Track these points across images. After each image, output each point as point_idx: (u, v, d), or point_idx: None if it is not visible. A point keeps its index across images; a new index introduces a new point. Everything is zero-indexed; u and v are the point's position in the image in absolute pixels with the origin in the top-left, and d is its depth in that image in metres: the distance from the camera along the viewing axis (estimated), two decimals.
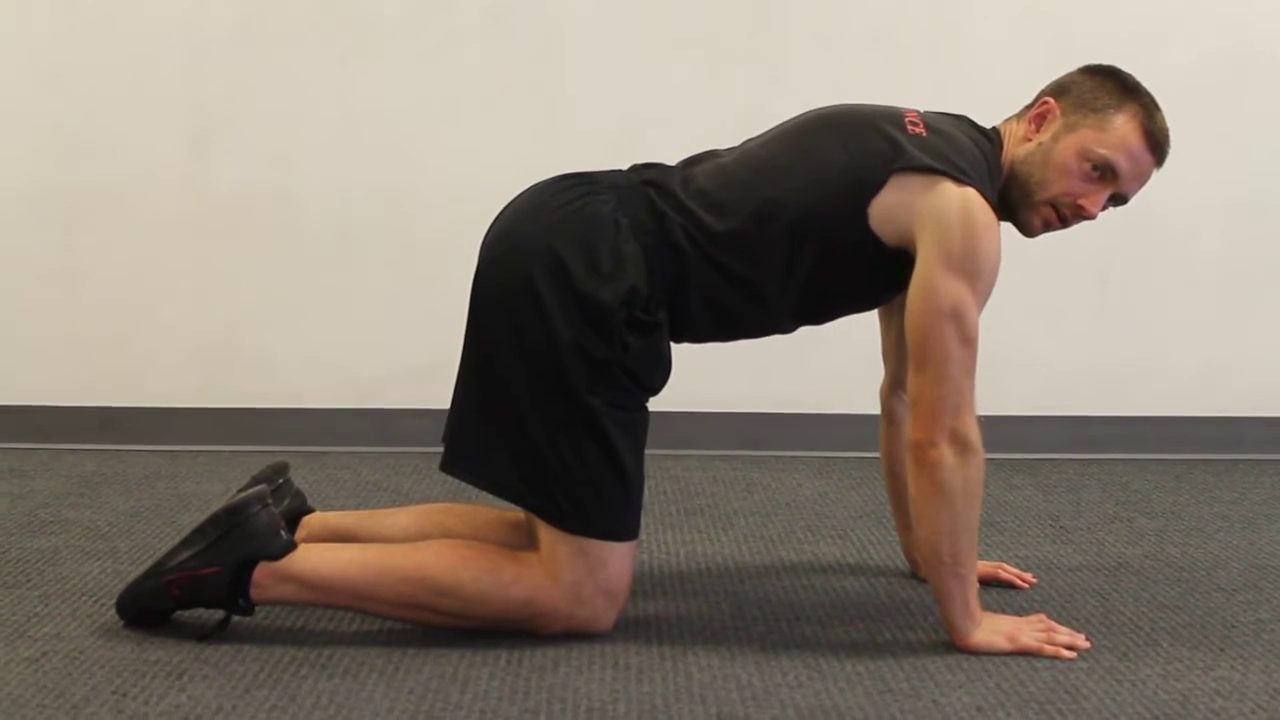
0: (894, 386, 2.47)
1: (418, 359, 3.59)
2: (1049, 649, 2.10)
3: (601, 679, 1.98)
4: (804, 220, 2.11)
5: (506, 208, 2.26)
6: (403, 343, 3.63)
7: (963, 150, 2.13)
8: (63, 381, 3.61)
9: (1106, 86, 2.16)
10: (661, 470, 3.33)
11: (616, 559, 2.13)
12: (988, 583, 2.44)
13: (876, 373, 2.51)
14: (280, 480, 2.43)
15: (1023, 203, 2.18)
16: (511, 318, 2.11)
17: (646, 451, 2.18)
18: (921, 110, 2.22)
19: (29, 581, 2.42)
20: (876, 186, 2.09)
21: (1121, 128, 2.13)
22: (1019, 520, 2.97)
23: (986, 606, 2.19)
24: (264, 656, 2.05)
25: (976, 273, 2.07)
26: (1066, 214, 2.17)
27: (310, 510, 2.45)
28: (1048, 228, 2.20)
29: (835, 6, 3.59)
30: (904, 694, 1.93)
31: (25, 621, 2.20)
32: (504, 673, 2.00)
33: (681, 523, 2.92)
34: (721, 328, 2.23)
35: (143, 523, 2.86)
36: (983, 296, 2.09)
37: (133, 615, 2.17)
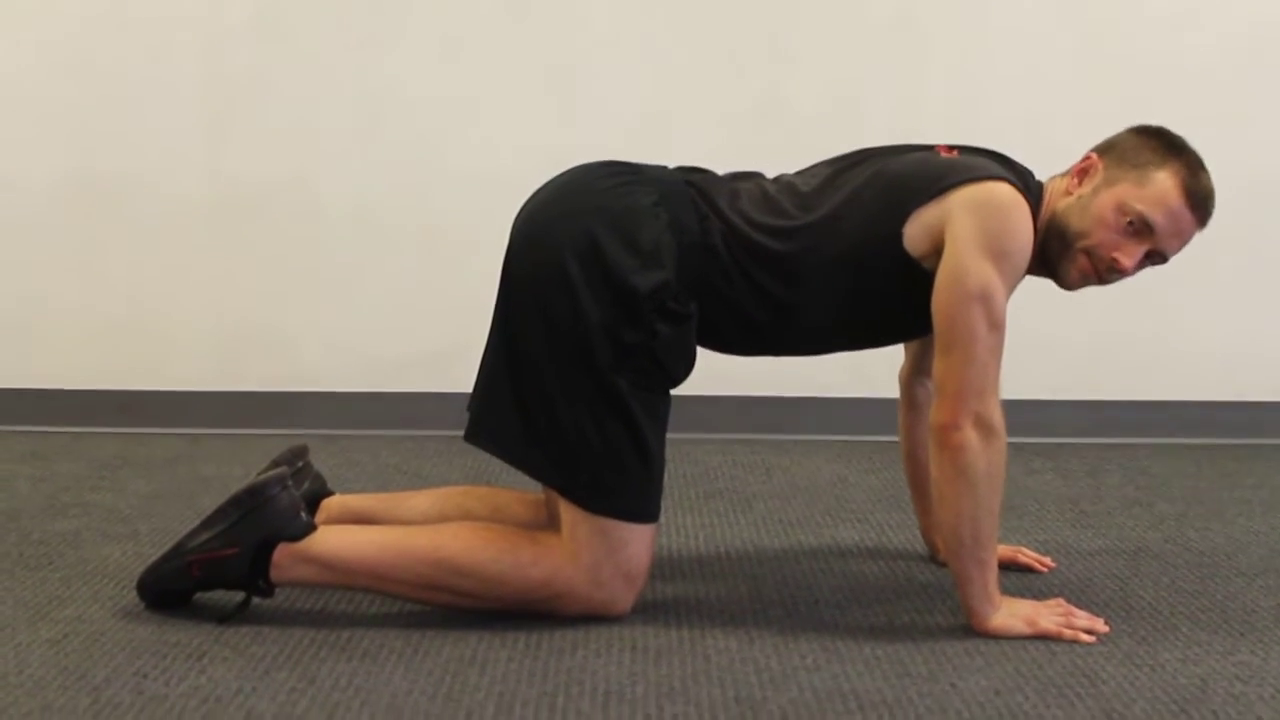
0: (914, 371, 2.47)
1: (436, 343, 3.59)
2: (1068, 633, 2.10)
3: (620, 661, 1.99)
4: (841, 254, 2.13)
5: (546, 186, 2.25)
6: (421, 327, 3.63)
7: (997, 166, 2.16)
8: (83, 365, 3.63)
9: (1150, 145, 2.15)
10: (680, 454, 3.32)
11: (636, 540, 2.13)
12: (1007, 566, 2.44)
13: (894, 357, 2.50)
14: (300, 463, 2.44)
15: (1061, 253, 2.17)
16: (542, 296, 2.11)
17: (666, 435, 2.18)
18: (949, 146, 2.25)
19: (50, 564, 2.43)
20: (911, 212, 2.10)
21: (1161, 184, 2.11)
22: (1038, 504, 2.97)
23: (1005, 590, 2.18)
24: (283, 638, 2.06)
25: (1005, 255, 2.07)
26: (1101, 267, 2.16)
27: (330, 493, 2.46)
28: (1084, 280, 2.19)
29: None
30: (922, 677, 1.93)
31: (47, 603, 2.21)
32: (522, 655, 2.01)
33: (700, 506, 2.92)
34: (745, 339, 2.24)
35: (163, 505, 2.87)
36: (1011, 281, 2.09)
37: (154, 597, 2.19)
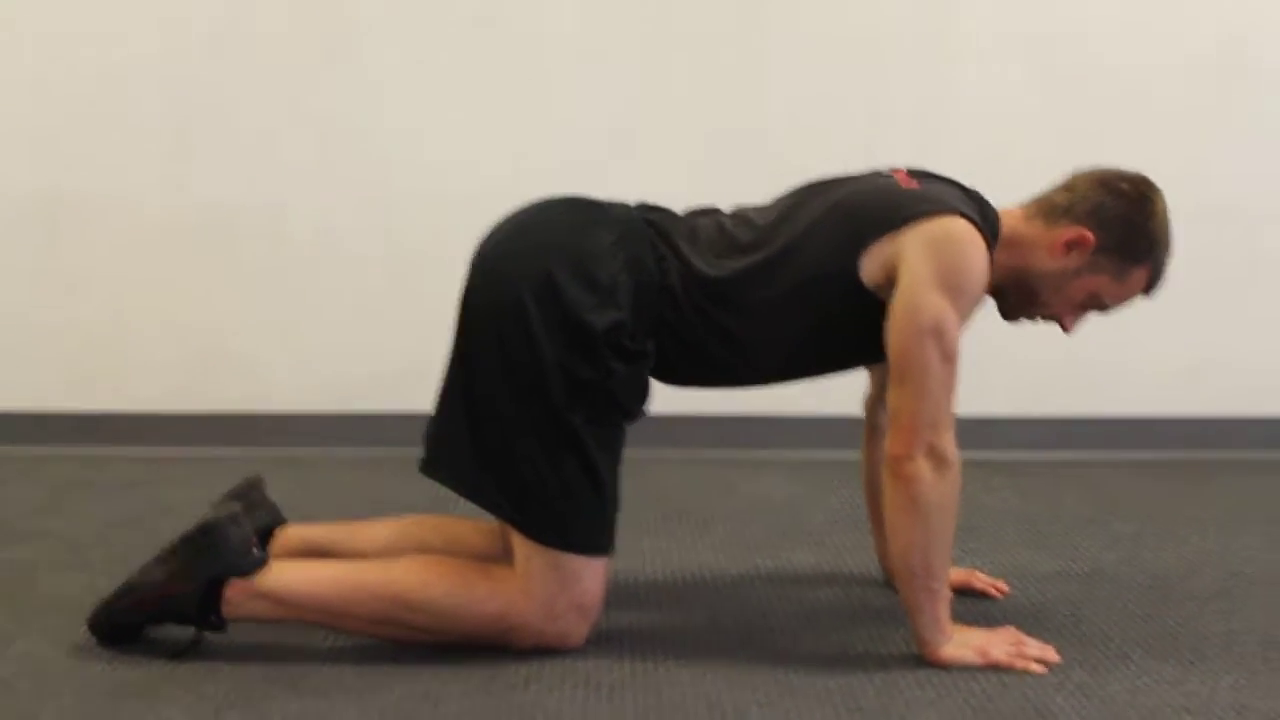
0: (877, 398, 2.48)
1: (398, 364, 3.59)
2: (1019, 663, 2.11)
3: (573, 698, 1.99)
4: (797, 286, 2.14)
5: (506, 220, 2.25)
6: (383, 348, 3.63)
7: (954, 195, 2.17)
8: (42, 386, 3.61)
9: (1144, 233, 2.17)
10: (641, 472, 3.30)
11: (589, 574, 2.14)
12: (961, 591, 2.45)
13: (851, 375, 2.51)
14: (254, 494, 2.43)
15: (1018, 304, 2.27)
16: (499, 332, 2.11)
17: (626, 451, 2.18)
18: (908, 170, 2.26)
19: (5, 595, 2.41)
20: (867, 245, 2.11)
21: (1134, 280, 2.21)
22: (996, 524, 2.98)
23: (959, 616, 2.20)
24: (235, 675, 2.05)
25: (959, 289, 2.08)
26: (1045, 319, 2.28)
27: (284, 522, 2.45)
28: (1022, 321, 2.31)
29: (823, 7, 3.59)
30: (872, 712, 1.94)
31: None
32: (476, 691, 2.01)
33: (659, 529, 2.93)
34: (701, 375, 2.25)
35: (120, 532, 2.86)
36: (966, 314, 2.10)
37: (105, 633, 2.18)
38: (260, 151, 3.57)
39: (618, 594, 2.44)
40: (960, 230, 2.10)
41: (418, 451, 2.21)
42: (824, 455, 3.57)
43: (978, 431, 3.53)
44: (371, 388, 3.63)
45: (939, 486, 2.08)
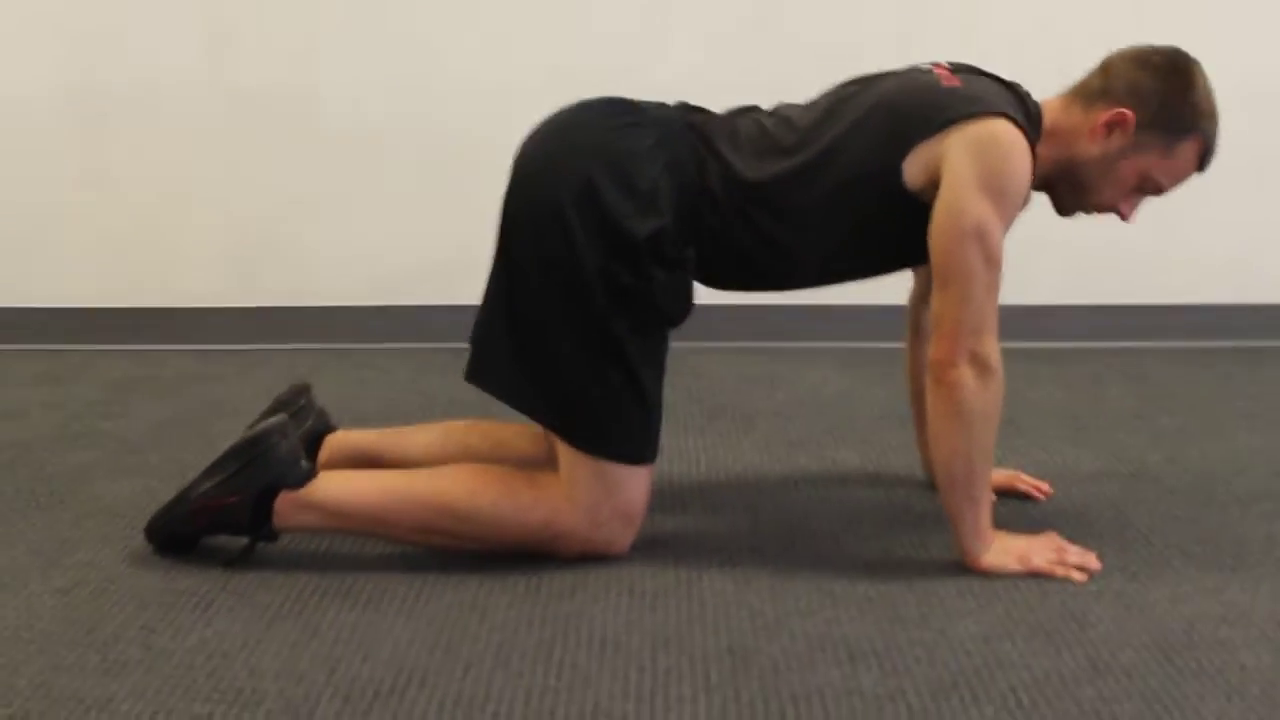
0: (921, 298, 2.47)
1: (445, 255, 3.60)
2: (1059, 570, 2.12)
3: (617, 607, 2.02)
4: (839, 188, 2.12)
5: (545, 123, 2.24)
6: (430, 239, 3.64)
7: (996, 92, 2.13)
8: (94, 283, 3.66)
9: (1184, 105, 2.13)
10: (686, 366, 3.33)
11: (633, 482, 2.16)
12: (1004, 493, 2.47)
13: None
14: (302, 401, 2.47)
15: (1070, 197, 2.23)
16: (539, 240, 2.12)
17: (671, 344, 2.20)
18: (949, 64, 2.22)
19: (62, 503, 2.48)
20: (911, 146, 2.09)
21: (1184, 155, 2.15)
22: (1039, 418, 2.98)
23: (1002, 518, 2.22)
24: (288, 585, 2.10)
25: (1002, 192, 2.06)
26: (1102, 211, 2.24)
27: (333, 428, 2.49)
28: (1078, 214, 2.28)
29: None
30: (912, 622, 1.97)
31: (58, 548, 2.26)
32: (521, 600, 2.05)
33: (704, 426, 2.95)
34: (742, 279, 2.25)
35: (174, 432, 2.91)
36: (1008, 218, 2.09)
37: (161, 541, 2.23)
38: (298, 43, 3.55)
39: (662, 496, 2.47)
40: (1004, 132, 2.08)
41: (464, 344, 2.23)
42: (873, 346, 3.56)
43: (1022, 320, 3.52)
44: (418, 280, 3.64)
45: (982, 393, 2.08)
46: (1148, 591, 2.07)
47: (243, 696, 1.76)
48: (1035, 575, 2.12)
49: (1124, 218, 2.24)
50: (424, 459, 2.39)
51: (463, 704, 1.74)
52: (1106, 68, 2.18)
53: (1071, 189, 2.22)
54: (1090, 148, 2.17)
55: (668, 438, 2.79)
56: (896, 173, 2.10)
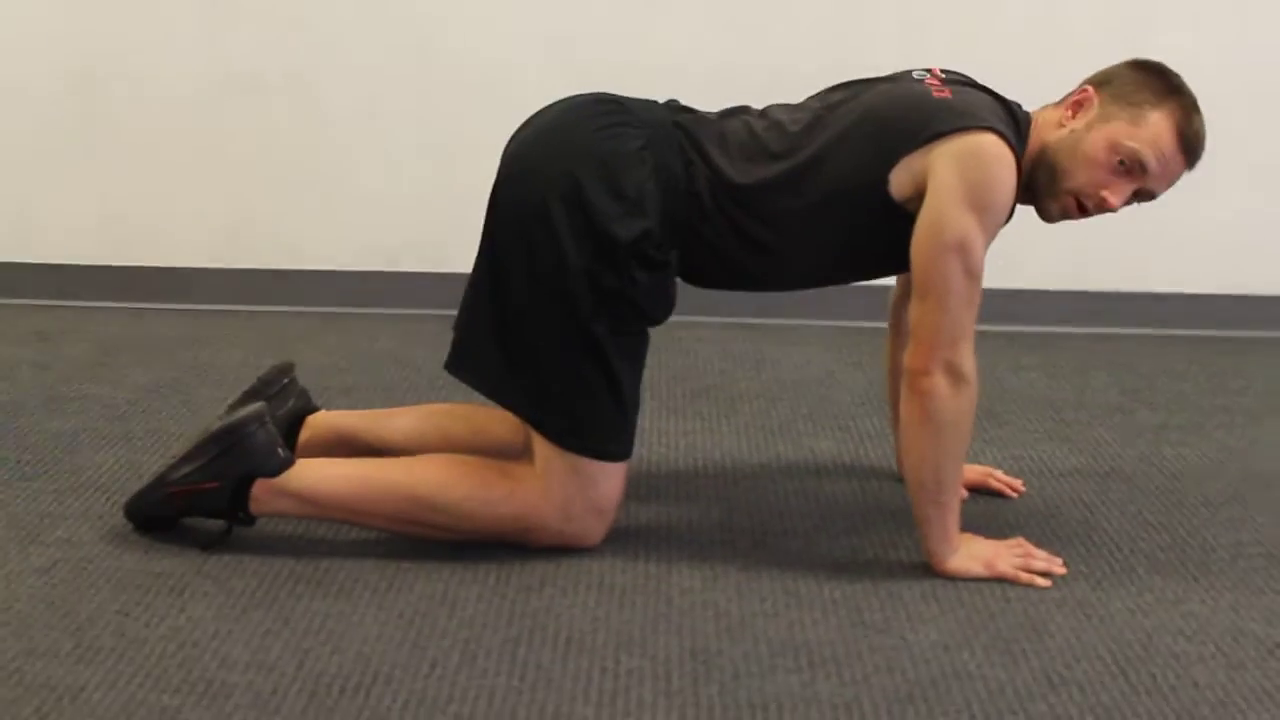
0: (902, 297, 2.47)
1: (436, 225, 3.61)
2: (1024, 577, 2.15)
3: (585, 604, 2.05)
4: (825, 196, 2.13)
5: (533, 120, 2.26)
6: (422, 207, 3.65)
7: (986, 106, 2.14)
8: (88, 241, 3.67)
9: (1150, 83, 2.13)
10: (673, 342, 3.33)
11: (607, 478, 2.19)
12: (977, 490, 2.49)
13: None
14: (285, 380, 2.49)
15: (1047, 188, 2.17)
16: (525, 238, 2.14)
17: (643, 373, 2.22)
18: (942, 73, 2.22)
19: (46, 473, 2.51)
20: (898, 158, 2.10)
21: (1156, 125, 2.11)
22: (1020, 410, 3.00)
23: (973, 517, 2.26)
24: (263, 570, 2.13)
25: (986, 207, 2.07)
26: (1088, 205, 2.16)
27: (315, 409, 2.51)
28: (1065, 216, 2.20)
29: None
30: (875, 627, 2.00)
31: (39, 523, 2.29)
32: (491, 594, 2.08)
33: (685, 408, 2.97)
34: (727, 280, 2.28)
35: (160, 400, 2.94)
36: (991, 232, 2.10)
37: (140, 522, 2.26)
38: (294, 7, 3.55)
39: (639, 482, 2.50)
40: (990, 147, 2.08)
41: (453, 311, 2.25)
42: (858, 325, 3.56)
43: (1012, 304, 3.54)
44: (409, 247, 3.65)
45: (955, 403, 2.10)
46: (1109, 601, 2.10)
47: (212, 689, 1.80)
48: (1000, 580, 2.15)
49: (1111, 206, 2.15)
50: (402, 444, 2.41)
51: (426, 703, 1.77)
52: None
53: (1047, 179, 2.16)
54: (1059, 131, 2.16)
55: (651, 419, 2.84)
56: (883, 183, 2.12)
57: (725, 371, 3.24)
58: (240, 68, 3.59)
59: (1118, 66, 2.19)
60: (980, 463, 2.65)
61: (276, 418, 2.41)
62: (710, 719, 1.76)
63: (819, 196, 2.14)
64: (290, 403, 2.47)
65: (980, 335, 3.41)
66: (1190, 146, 2.13)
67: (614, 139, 2.14)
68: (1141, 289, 3.67)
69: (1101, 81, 2.17)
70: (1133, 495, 2.53)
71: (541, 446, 2.18)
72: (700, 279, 2.27)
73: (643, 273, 2.12)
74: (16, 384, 3.02)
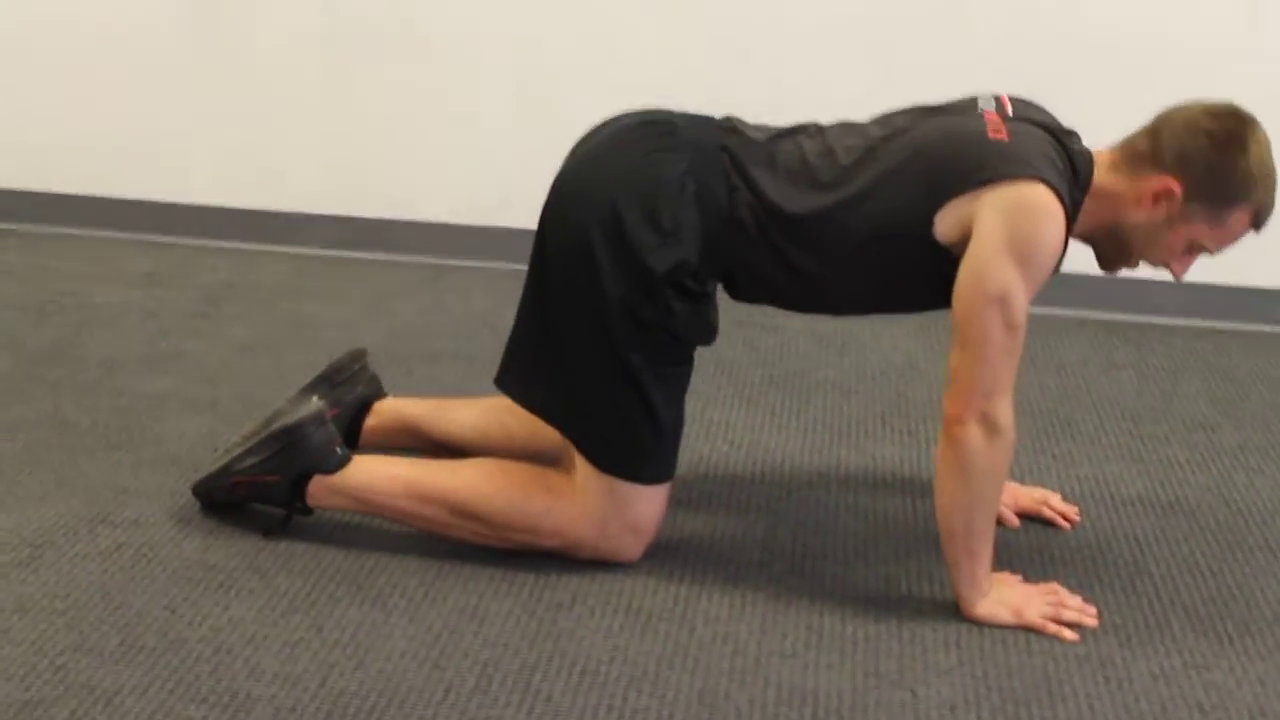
0: None
1: (538, 183, 3.63)
2: (1050, 628, 2.15)
3: (609, 629, 2.11)
4: (871, 234, 2.13)
5: (585, 141, 2.29)
6: (526, 165, 3.67)
7: (1041, 152, 2.10)
8: (204, 181, 3.78)
9: (1236, 173, 2.08)
10: (764, 316, 3.30)
11: (644, 500, 2.23)
12: (1030, 518, 2.48)
13: None
14: (357, 367, 2.58)
15: (1113, 256, 2.23)
16: (566, 264, 2.18)
17: (685, 400, 2.26)
18: (1001, 107, 2.18)
19: (130, 442, 2.63)
20: (944, 202, 2.09)
21: (1235, 223, 2.12)
22: (1100, 422, 2.94)
23: (1019, 549, 2.32)
24: (310, 567, 2.23)
25: (1030, 260, 2.06)
26: (1150, 265, 2.23)
27: (383, 395, 2.59)
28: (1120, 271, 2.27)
29: None
30: (888, 679, 2.02)
31: (114, 499, 2.42)
32: (521, 610, 2.14)
33: (759, 398, 2.99)
34: (769, 300, 2.30)
35: (253, 361, 3.05)
36: (1035, 285, 2.09)
37: (207, 503, 2.38)
38: None
39: (694, 484, 2.55)
40: (1039, 200, 2.05)
41: None
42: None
43: (1116, 290, 3.46)
44: (508, 205, 3.70)
45: (989, 454, 2.10)
46: (1134, 661, 2.09)
47: (237, 700, 1.91)
48: (1028, 629, 2.15)
49: (1176, 276, 2.22)
50: (464, 437, 2.50)
51: None
52: (1156, 130, 2.13)
53: (1116, 249, 2.21)
54: (1136, 215, 2.13)
55: (721, 410, 2.87)
56: (928, 225, 2.10)
57: (808, 356, 3.24)
58: (354, 12, 3.63)
59: (1196, 139, 2.09)
60: (1044, 482, 2.64)
61: (345, 403, 2.51)
62: None
63: (865, 232, 2.13)
64: (359, 389, 2.56)
65: (1079, 323, 3.46)
66: (1260, 225, 2.14)
67: (657, 166, 2.15)
68: (1243, 283, 3.55)
69: (1181, 163, 2.09)
70: (1190, 532, 2.49)
71: (581, 465, 2.23)
72: (742, 296, 2.28)
73: (680, 303, 2.14)
74: (122, 334, 3.16)
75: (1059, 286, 3.38)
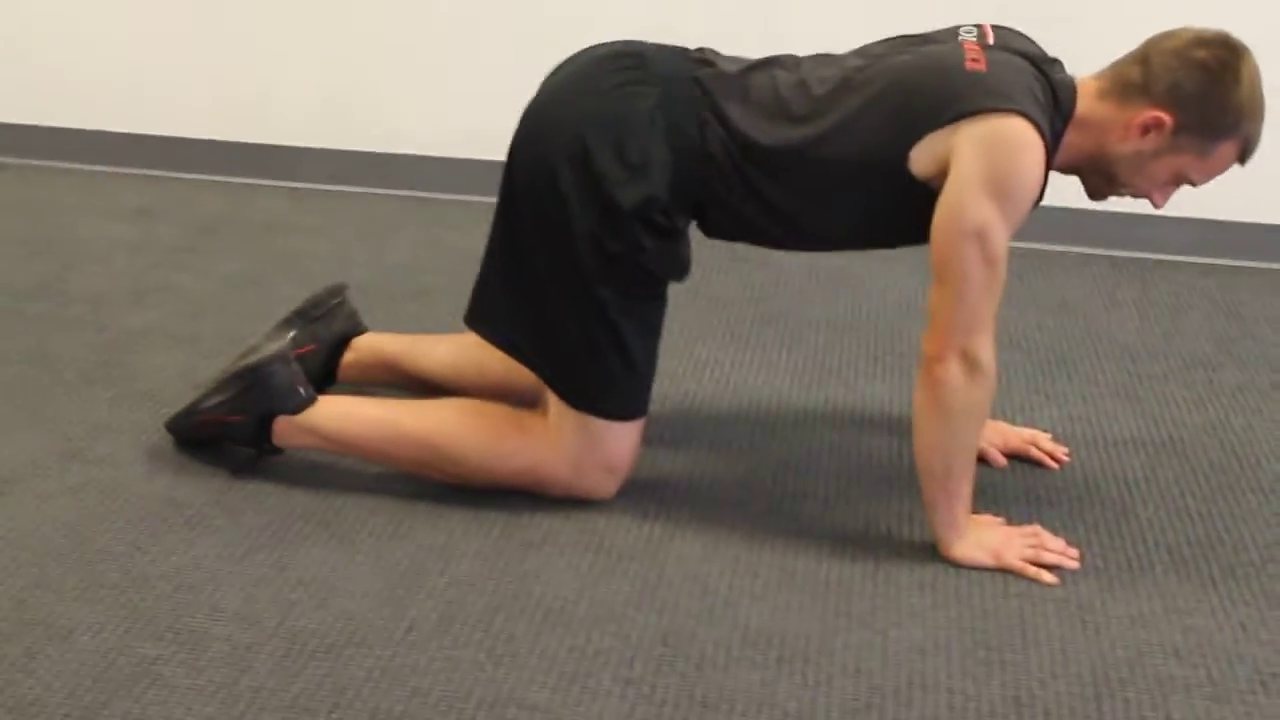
0: None
1: None
2: (1030, 571, 2.10)
3: (577, 568, 2.08)
4: (845, 169, 2.07)
5: (556, 74, 2.24)
6: (525, 99, 3.61)
7: (1021, 83, 2.02)
8: (197, 114, 3.74)
9: (1229, 106, 2.01)
10: (758, 254, 3.25)
11: (616, 437, 2.19)
12: (1017, 458, 2.43)
13: None
14: (335, 301, 2.54)
15: (1098, 184, 2.16)
16: (535, 199, 2.13)
17: (660, 334, 2.21)
18: (983, 36, 2.11)
19: (108, 377, 2.61)
20: (919, 137, 2.02)
21: (1222, 155, 2.06)
22: (1097, 359, 2.88)
23: (1005, 490, 2.28)
24: (279, 505, 2.20)
25: (1008, 195, 2.00)
26: (1131, 194, 2.16)
27: (362, 331, 2.56)
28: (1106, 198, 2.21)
29: None
30: (859, 620, 1.98)
31: (87, 435, 2.39)
32: (490, 549, 2.11)
33: (750, 335, 2.93)
34: (744, 236, 2.24)
35: (239, 295, 3.02)
36: (1014, 220, 2.03)
37: (179, 441, 2.36)
38: None
39: (678, 421, 2.52)
40: (1017, 133, 1.99)
41: None
42: None
43: (1122, 227, 3.39)
44: (503, 136, 3.63)
45: (968, 392, 2.05)
46: (1112, 605, 2.04)
47: (194, 638, 1.88)
48: (1007, 571, 2.11)
49: (1156, 205, 2.16)
50: (440, 374, 2.47)
51: (390, 673, 1.83)
52: (1145, 58, 2.06)
53: (1102, 179, 2.15)
54: (1123, 145, 2.07)
55: (710, 347, 2.82)
56: (903, 160, 2.04)
57: (804, 293, 3.19)
58: None
59: (1192, 76, 2.02)
60: (1037, 421, 2.59)
61: (322, 339, 2.48)
62: (659, 713, 1.78)
63: (839, 167, 2.07)
64: (336, 325, 2.53)
65: (1085, 258, 3.38)
66: (1246, 158, 2.08)
67: (626, 99, 2.10)
68: (1253, 219, 3.47)
69: (1174, 97, 2.02)
70: (1181, 474, 2.44)
71: (554, 402, 2.20)
72: (715, 233, 2.23)
73: (650, 239, 2.09)
74: (110, 268, 3.13)
75: (1064, 222, 3.33)
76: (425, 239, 3.41)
